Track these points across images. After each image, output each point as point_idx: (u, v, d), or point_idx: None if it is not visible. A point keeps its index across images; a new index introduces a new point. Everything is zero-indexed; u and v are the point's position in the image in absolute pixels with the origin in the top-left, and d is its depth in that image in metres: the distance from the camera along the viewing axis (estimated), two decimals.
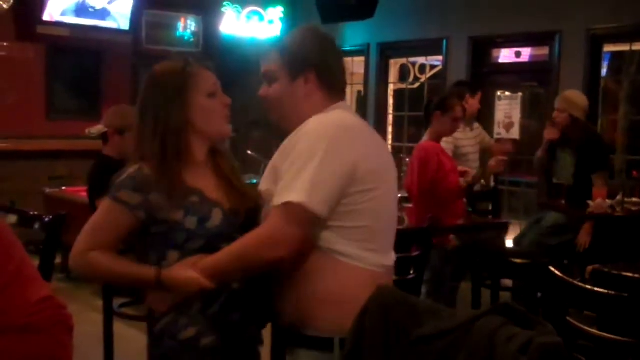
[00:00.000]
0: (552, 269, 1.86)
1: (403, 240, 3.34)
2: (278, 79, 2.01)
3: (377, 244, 1.93)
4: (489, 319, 1.43)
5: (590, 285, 2.02)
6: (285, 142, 1.93)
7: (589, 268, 2.48)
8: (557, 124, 5.30)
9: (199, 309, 1.96)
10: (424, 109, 4.64)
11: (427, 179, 4.23)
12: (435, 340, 1.48)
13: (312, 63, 1.99)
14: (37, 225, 2.76)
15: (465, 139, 5.29)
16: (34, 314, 1.40)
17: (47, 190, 6.33)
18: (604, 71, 7.24)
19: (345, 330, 1.68)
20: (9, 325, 1.39)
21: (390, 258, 2.00)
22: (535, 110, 7.77)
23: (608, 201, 4.79)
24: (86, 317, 4.65)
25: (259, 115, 7.94)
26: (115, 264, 1.97)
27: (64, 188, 6.35)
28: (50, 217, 2.73)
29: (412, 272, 3.04)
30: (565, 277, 1.85)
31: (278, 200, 1.80)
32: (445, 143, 4.80)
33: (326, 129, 1.87)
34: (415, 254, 3.06)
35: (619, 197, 4.85)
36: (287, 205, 1.78)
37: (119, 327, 3.79)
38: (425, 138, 4.51)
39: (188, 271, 1.89)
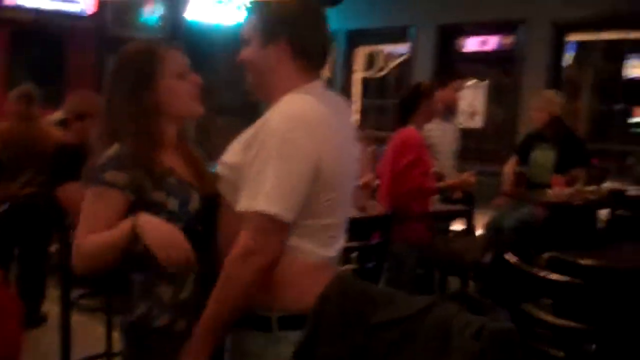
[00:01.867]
0: (506, 256, 1.88)
1: (365, 228, 3.37)
2: (251, 42, 1.94)
3: (324, 239, 1.88)
4: (445, 306, 1.45)
5: (545, 272, 2.04)
6: (256, 128, 1.82)
7: (545, 255, 2.50)
8: (535, 122, 5.42)
9: (170, 297, 1.94)
10: (401, 99, 4.56)
11: (402, 162, 4.19)
12: (392, 327, 1.49)
13: (286, 30, 1.89)
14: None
15: (437, 130, 5.33)
16: None
17: None
18: (567, 60, 7.32)
19: (281, 311, 1.74)
20: None
21: (335, 249, 1.95)
22: (500, 99, 7.84)
23: (566, 190, 4.87)
24: (48, 309, 4.61)
25: (223, 102, 7.92)
26: (98, 238, 1.88)
27: None
28: (5, 207, 2.69)
29: (372, 260, 3.05)
30: (519, 264, 1.86)
31: (247, 205, 1.74)
32: None
33: (290, 125, 1.77)
34: (375, 241, 3.06)
35: (578, 186, 4.92)
36: (258, 214, 1.72)
37: (76, 318, 3.76)
38: (409, 126, 4.41)
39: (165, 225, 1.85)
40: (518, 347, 1.28)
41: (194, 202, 1.96)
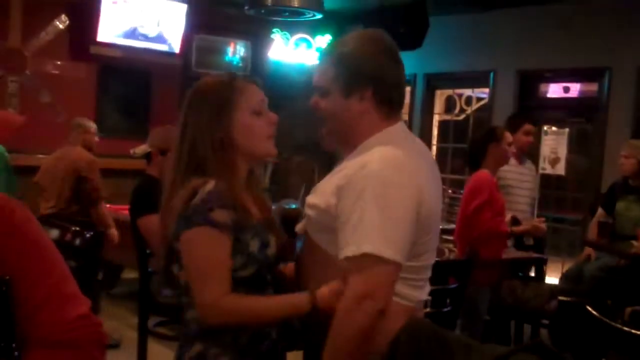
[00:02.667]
0: (589, 308, 1.82)
1: (441, 272, 3.33)
2: (331, 93, 1.86)
3: (419, 281, 1.86)
4: (521, 357, 1.41)
5: (629, 327, 1.97)
6: (348, 173, 1.77)
7: (628, 309, 2.41)
8: (623, 170, 5.35)
9: (231, 339, 1.86)
10: (471, 144, 4.60)
11: (473, 205, 4.17)
12: None
13: (369, 78, 1.83)
14: (77, 242, 2.81)
15: (510, 172, 5.26)
16: (70, 330, 1.42)
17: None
18: None
19: (374, 355, 1.66)
20: (46, 340, 1.41)
21: (426, 292, 1.92)
22: (582, 146, 7.68)
23: None
24: (125, 335, 4.70)
25: (299, 141, 8.01)
26: (257, 301, 1.82)
27: (108, 206, 6.44)
28: (91, 233, 2.77)
29: (448, 304, 3.01)
30: (602, 317, 1.80)
31: (356, 250, 1.67)
32: None
33: (392, 170, 1.74)
34: (452, 286, 3.02)
35: None
36: (371, 257, 1.66)
37: (154, 346, 3.83)
38: (482, 169, 4.39)
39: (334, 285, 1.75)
40: None
41: (272, 247, 1.88)
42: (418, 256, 1.78)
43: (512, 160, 5.00)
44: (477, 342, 1.54)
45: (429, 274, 1.92)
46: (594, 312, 1.79)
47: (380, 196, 1.70)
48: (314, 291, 1.76)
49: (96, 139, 5.93)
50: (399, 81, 1.91)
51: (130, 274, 5.12)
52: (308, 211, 1.85)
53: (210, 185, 1.80)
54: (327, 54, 1.93)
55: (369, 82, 1.84)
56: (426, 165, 1.89)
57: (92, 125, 5.93)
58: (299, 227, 1.92)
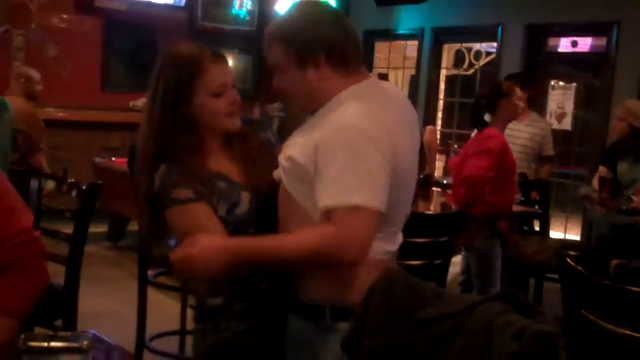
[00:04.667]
0: (568, 260, 1.84)
1: (433, 225, 3.35)
2: (287, 70, 1.90)
3: (387, 232, 1.88)
4: (490, 305, 1.44)
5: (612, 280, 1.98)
6: (323, 133, 1.79)
7: (614, 262, 2.42)
8: (616, 132, 5.33)
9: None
10: (477, 99, 4.49)
11: (480, 166, 4.03)
12: (437, 323, 1.50)
13: (319, 47, 1.86)
14: (73, 193, 2.85)
15: (514, 130, 5.27)
16: (16, 246, 1.52)
17: (97, 160, 6.49)
18: None
19: (335, 303, 1.76)
20: None
21: (396, 243, 1.96)
22: (590, 102, 7.62)
23: None
24: (127, 285, 4.78)
25: None
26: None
27: (113, 159, 6.49)
28: (86, 185, 2.80)
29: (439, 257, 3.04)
30: (581, 270, 1.83)
31: (340, 201, 1.70)
32: None
33: (368, 124, 1.77)
34: (442, 239, 3.04)
35: None
36: (358, 209, 1.69)
37: (154, 294, 3.91)
38: (491, 126, 4.30)
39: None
40: (558, 350, 1.26)
41: (244, 205, 1.97)
42: (390, 208, 1.79)
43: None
44: (449, 291, 1.57)
45: (400, 225, 1.96)
46: (572, 263, 1.81)
47: (358, 149, 1.73)
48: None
49: (39, 87, 5.74)
50: (351, 41, 1.93)
51: (136, 226, 5.20)
52: (284, 163, 1.87)
53: (162, 169, 1.94)
54: (271, 33, 1.94)
55: (319, 49, 1.86)
56: (402, 117, 1.91)
57: (35, 75, 5.73)
58: (275, 174, 1.95)
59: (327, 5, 1.97)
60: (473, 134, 4.64)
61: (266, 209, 1.97)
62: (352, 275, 1.81)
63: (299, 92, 1.92)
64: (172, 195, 1.91)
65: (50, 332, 1.60)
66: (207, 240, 1.80)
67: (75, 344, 1.44)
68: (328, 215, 1.72)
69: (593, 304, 2.05)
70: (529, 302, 1.43)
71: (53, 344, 1.44)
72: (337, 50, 1.88)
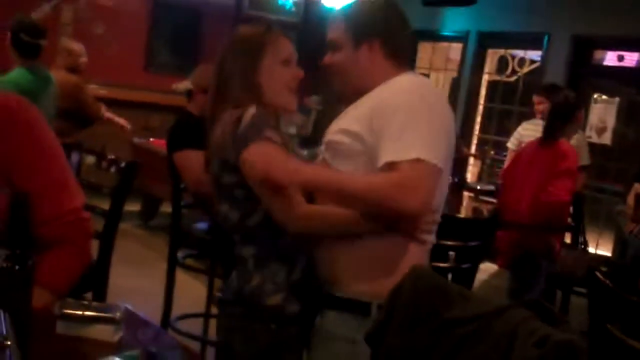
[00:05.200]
0: (597, 274, 1.84)
1: (465, 229, 3.36)
2: (342, 47, 1.99)
3: (431, 224, 1.93)
4: (516, 311, 1.45)
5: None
6: (377, 101, 1.88)
7: None
8: None
9: (285, 275, 1.97)
10: (556, 109, 4.34)
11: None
12: (463, 325, 1.51)
13: (376, 31, 1.97)
14: (112, 169, 2.91)
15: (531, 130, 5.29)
16: (65, 224, 1.57)
17: (135, 139, 6.57)
18: None
19: (380, 298, 1.72)
20: (45, 238, 1.54)
21: (433, 238, 1.99)
22: (632, 118, 7.53)
23: None
24: (156, 264, 4.86)
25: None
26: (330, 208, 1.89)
27: (151, 139, 6.57)
28: (125, 163, 2.85)
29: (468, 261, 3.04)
30: (609, 284, 1.83)
31: (403, 155, 1.74)
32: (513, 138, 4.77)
33: (421, 89, 1.89)
34: (472, 243, 3.05)
35: None
36: (420, 161, 1.73)
37: (182, 276, 3.96)
38: (562, 137, 4.23)
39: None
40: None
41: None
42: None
43: (540, 122, 4.98)
44: (476, 295, 1.58)
45: (438, 218, 1.98)
46: (600, 277, 1.81)
47: (418, 110, 1.81)
48: None
49: (84, 60, 5.83)
50: (405, 38, 2.04)
51: (169, 208, 5.28)
52: (333, 137, 1.93)
53: (253, 109, 1.93)
54: (339, 12, 2.05)
55: (378, 34, 1.97)
56: (447, 114, 1.94)
57: (78, 47, 5.81)
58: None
59: (396, 4, 2.05)
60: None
61: None
62: (397, 270, 1.81)
63: (347, 70, 1.99)
64: (264, 132, 1.89)
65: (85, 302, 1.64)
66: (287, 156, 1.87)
67: (109, 315, 1.49)
68: (391, 167, 1.76)
69: (619, 318, 2.05)
70: (556, 312, 1.44)
71: (87, 312, 1.48)
72: (392, 40, 1.98)
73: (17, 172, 1.60)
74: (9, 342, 1.12)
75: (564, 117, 4.22)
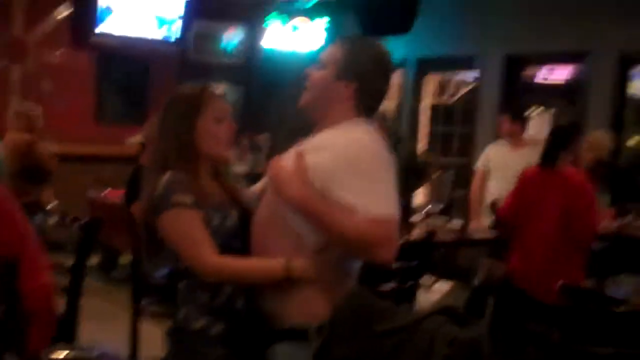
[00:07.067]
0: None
1: (409, 251, 3.60)
2: (326, 69, 2.16)
3: None
4: (434, 319, 1.71)
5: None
6: (336, 152, 2.04)
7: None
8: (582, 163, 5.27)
9: (208, 299, 2.16)
10: (555, 135, 4.35)
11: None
12: (392, 334, 1.76)
13: (358, 78, 2.13)
14: (75, 227, 3.08)
15: (499, 153, 5.57)
16: (40, 299, 1.74)
17: (91, 193, 6.66)
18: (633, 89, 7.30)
19: (319, 322, 1.93)
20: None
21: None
22: None
23: (614, 222, 4.97)
24: (120, 316, 4.95)
25: (295, 126, 8.18)
26: (242, 262, 2.13)
27: (107, 191, 6.67)
28: (87, 219, 3.03)
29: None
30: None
31: (375, 209, 1.94)
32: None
33: (377, 146, 2.08)
34: (413, 263, 3.29)
35: (628, 218, 5.01)
36: (385, 219, 1.95)
37: (146, 325, 4.08)
38: (566, 163, 4.23)
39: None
40: (482, 355, 1.53)
41: (232, 219, 2.21)
42: None
43: (506, 143, 5.28)
44: (404, 308, 1.84)
45: None
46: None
47: (377, 165, 2.03)
48: (289, 260, 2.04)
49: (40, 123, 6.00)
50: (384, 89, 2.22)
51: (128, 258, 5.35)
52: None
53: (167, 175, 2.15)
54: (344, 40, 2.23)
55: (359, 80, 2.14)
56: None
57: (36, 111, 6.01)
58: (257, 187, 2.24)
59: (390, 59, 2.23)
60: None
61: (249, 226, 2.22)
62: (329, 294, 2.03)
63: (319, 89, 2.18)
64: (172, 199, 2.10)
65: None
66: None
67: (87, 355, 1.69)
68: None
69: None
70: (466, 315, 1.70)
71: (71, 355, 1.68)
72: (367, 93, 2.17)
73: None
74: None
75: (563, 143, 4.24)
